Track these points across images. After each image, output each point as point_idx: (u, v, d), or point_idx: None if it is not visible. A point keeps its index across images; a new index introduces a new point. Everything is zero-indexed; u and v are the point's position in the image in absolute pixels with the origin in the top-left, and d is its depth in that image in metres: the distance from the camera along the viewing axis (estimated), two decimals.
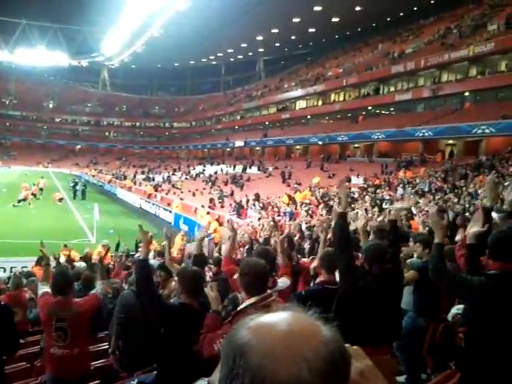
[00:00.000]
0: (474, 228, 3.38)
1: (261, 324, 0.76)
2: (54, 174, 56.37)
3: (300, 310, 0.79)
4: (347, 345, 0.84)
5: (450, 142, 30.26)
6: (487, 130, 25.17)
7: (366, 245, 3.75)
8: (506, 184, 15.32)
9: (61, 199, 32.65)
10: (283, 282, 4.32)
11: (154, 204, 34.19)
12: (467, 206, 12.73)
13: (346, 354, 0.75)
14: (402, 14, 49.27)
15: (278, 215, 22.94)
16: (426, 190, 19.39)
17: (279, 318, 0.76)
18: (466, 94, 31.39)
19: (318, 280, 4.17)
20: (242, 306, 2.82)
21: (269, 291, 2.87)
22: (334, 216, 4.38)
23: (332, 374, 0.70)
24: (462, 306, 4.30)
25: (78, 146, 77.02)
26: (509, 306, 2.80)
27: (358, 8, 46.51)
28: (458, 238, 6.07)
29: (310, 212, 21.33)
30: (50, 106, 79.12)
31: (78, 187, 37.28)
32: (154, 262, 10.72)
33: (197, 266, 5.96)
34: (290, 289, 4.58)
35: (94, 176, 55.17)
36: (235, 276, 4.95)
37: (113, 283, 6.43)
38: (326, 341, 0.73)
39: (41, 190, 34.16)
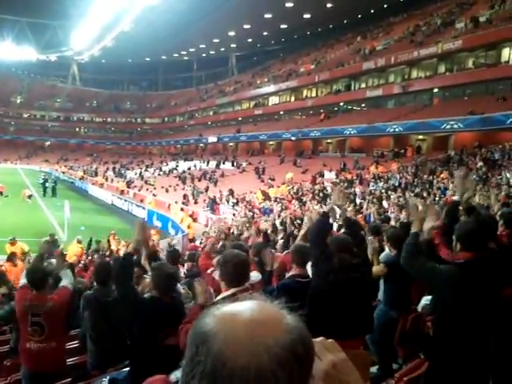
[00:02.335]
0: (428, 223, 3.51)
1: (225, 312, 0.78)
2: (23, 170, 55.13)
3: (266, 299, 0.81)
4: (322, 338, 0.89)
5: (420, 137, 30.83)
6: (455, 126, 25.73)
7: (333, 238, 3.82)
8: (472, 178, 15.75)
9: (30, 196, 31.98)
10: (254, 275, 4.36)
11: (126, 200, 33.81)
12: (437, 199, 13.03)
13: (308, 344, 0.77)
14: (372, 11, 49.88)
15: (251, 211, 22.99)
16: (397, 184, 19.73)
17: (244, 306, 0.78)
18: (435, 90, 32.00)
19: (289, 273, 4.21)
20: (219, 297, 2.82)
21: (246, 284, 2.87)
22: (316, 214, 4.49)
23: (293, 361, 0.71)
24: (431, 297, 4.43)
25: (48, 142, 75.44)
26: (475, 295, 2.91)
27: (329, 5, 46.84)
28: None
29: (283, 207, 21.45)
30: (18, 101, 77.17)
31: (47, 184, 36.55)
32: None
33: (171, 262, 5.98)
34: (262, 283, 4.64)
35: (64, 172, 54.16)
36: (209, 270, 5.00)
37: (79, 283, 6.37)
38: (289, 329, 0.74)
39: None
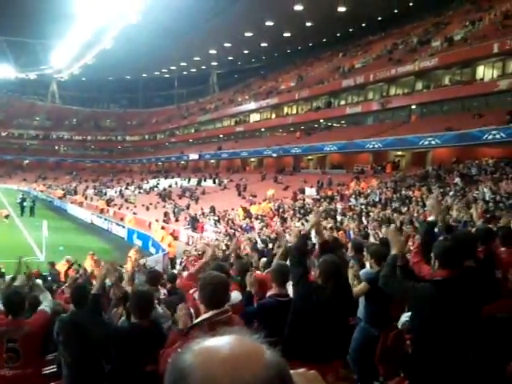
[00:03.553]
0: (393, 250, 3.54)
1: (204, 348, 0.76)
2: (1, 189, 54.19)
3: (245, 333, 0.79)
4: (304, 370, 0.86)
5: (399, 153, 31.25)
6: (433, 142, 26.15)
7: (322, 260, 3.76)
8: (450, 194, 15.98)
9: (7, 216, 31.39)
10: (235, 296, 4.31)
11: (106, 219, 33.43)
12: (415, 215, 13.14)
13: (287, 379, 0.75)
14: (351, 30, 50.79)
15: (232, 228, 22.92)
16: (377, 200, 19.88)
17: (223, 342, 0.76)
18: (413, 107, 32.58)
19: (269, 293, 4.18)
20: (197, 320, 2.79)
21: (226, 306, 2.84)
22: (295, 233, 4.50)
23: None
24: (409, 314, 4.43)
25: (26, 161, 74.41)
26: (452, 312, 2.91)
27: (308, 24, 47.55)
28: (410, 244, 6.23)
29: (264, 224, 21.41)
30: None
31: (25, 203, 35.96)
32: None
33: (151, 283, 5.89)
34: (242, 303, 4.59)
35: (42, 191, 53.39)
36: (191, 291, 4.93)
37: (56, 304, 6.22)
38: (268, 365, 0.72)
39: None
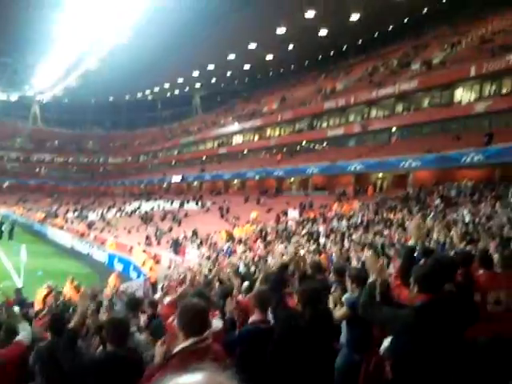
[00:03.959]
0: (371, 276, 3.55)
1: None
2: None
3: (217, 369, 0.80)
4: None
5: (380, 175, 31.54)
6: (414, 164, 26.47)
7: (301, 286, 3.78)
8: (431, 215, 16.09)
9: None
10: (215, 323, 4.24)
11: (86, 243, 32.94)
12: (396, 237, 13.17)
13: None
14: (332, 53, 51.69)
15: (214, 252, 22.73)
16: (359, 222, 19.92)
17: (195, 379, 0.77)
18: (394, 129, 32.99)
19: (251, 319, 4.12)
20: (176, 349, 2.72)
21: (205, 334, 2.77)
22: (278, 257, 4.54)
23: None
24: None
25: (6, 183, 73.39)
26: (432, 338, 2.89)
27: (290, 46, 48.30)
28: (391, 268, 6.19)
29: (247, 248, 21.28)
30: None
31: (4, 227, 35.31)
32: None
33: (131, 310, 5.76)
34: (223, 330, 4.53)
35: (22, 215, 52.54)
36: (170, 319, 4.83)
37: (34, 332, 6.03)
38: None
39: None
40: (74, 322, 4.09)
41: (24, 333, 4.50)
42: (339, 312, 4.59)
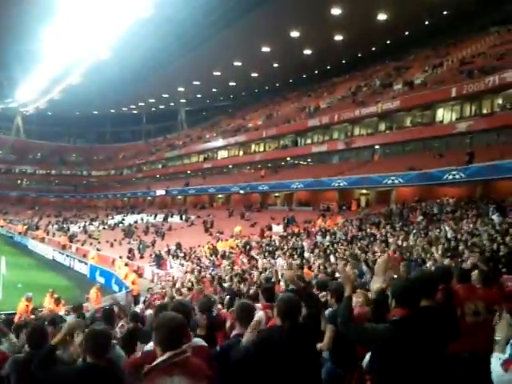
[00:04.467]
0: (376, 284, 3.57)
1: None
2: None
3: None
4: None
5: (364, 191, 31.87)
6: (396, 181, 26.86)
7: (278, 299, 3.62)
8: (413, 232, 16.31)
9: None
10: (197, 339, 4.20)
11: (68, 255, 32.53)
12: (379, 254, 13.30)
13: None
14: (316, 72, 52.43)
15: (198, 265, 22.62)
16: (343, 238, 20.05)
17: None
18: (377, 147, 33.46)
19: (234, 333, 4.11)
20: (154, 363, 2.69)
21: (183, 347, 2.75)
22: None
23: None
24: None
25: None
26: (411, 352, 2.92)
27: (275, 65, 48.89)
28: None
29: (231, 261, 21.24)
30: None
31: None
32: (69, 318, 10.13)
33: (106, 322, 5.72)
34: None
35: (2, 226, 51.69)
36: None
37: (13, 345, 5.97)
38: None
39: None
40: (57, 339, 4.04)
41: (7, 343, 4.47)
42: (327, 335, 4.59)
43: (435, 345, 3.05)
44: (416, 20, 38.04)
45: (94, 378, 3.21)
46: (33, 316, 12.13)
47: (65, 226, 48.03)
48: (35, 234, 43.29)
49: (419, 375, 2.90)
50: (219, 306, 8.50)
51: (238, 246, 25.26)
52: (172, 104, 70.70)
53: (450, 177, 23.23)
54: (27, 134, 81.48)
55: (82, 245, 36.26)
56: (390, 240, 15.73)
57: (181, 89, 59.94)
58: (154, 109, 74.33)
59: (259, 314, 5.15)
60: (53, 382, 3.49)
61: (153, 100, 67.87)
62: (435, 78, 31.77)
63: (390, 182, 27.27)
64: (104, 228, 44.37)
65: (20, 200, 72.32)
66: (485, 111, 26.83)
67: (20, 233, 45.85)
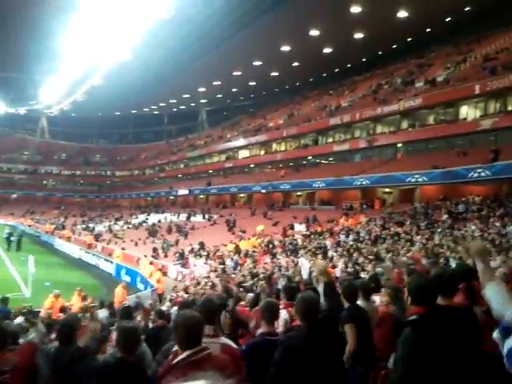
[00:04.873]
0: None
1: None
2: None
3: (218, 378, 0.87)
4: None
5: (387, 190, 31.66)
6: (420, 179, 26.62)
7: (298, 298, 3.56)
8: (438, 231, 16.19)
9: None
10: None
11: (94, 254, 33.10)
12: (402, 252, 13.26)
13: None
14: (336, 70, 52.15)
15: (221, 264, 22.81)
16: (366, 237, 20.00)
17: None
18: (399, 145, 33.19)
19: (259, 331, 4.06)
20: (174, 361, 2.71)
21: (203, 344, 2.76)
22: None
23: None
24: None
25: (14, 195, 73.97)
26: (434, 350, 2.85)
27: (295, 63, 48.80)
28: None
29: (253, 260, 21.38)
30: None
31: (12, 238, 35.53)
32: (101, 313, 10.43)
33: (124, 319, 5.86)
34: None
35: (30, 226, 52.85)
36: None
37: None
38: None
39: None
40: (83, 343, 4.25)
41: (37, 333, 4.63)
42: (349, 336, 4.57)
43: (456, 345, 2.93)
44: (437, 17, 37.53)
45: (124, 372, 3.32)
46: (60, 314, 12.45)
47: (90, 225, 48.82)
48: (62, 234, 44.13)
49: (445, 376, 2.83)
50: (242, 303, 8.58)
51: (260, 245, 25.37)
52: (193, 104, 71.14)
53: (476, 175, 22.93)
54: (52, 135, 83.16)
55: (108, 244, 36.82)
56: (415, 239, 15.65)
57: (201, 89, 60.29)
58: (175, 109, 74.94)
59: (282, 313, 5.25)
60: (85, 377, 3.60)
61: (174, 100, 68.39)
62: (458, 75, 31.36)
63: (413, 180, 27.04)
64: (128, 227, 44.98)
65: (46, 200, 73.83)
66: (510, 108, 26.37)
67: (47, 232, 46.81)
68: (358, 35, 40.57)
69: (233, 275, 18.55)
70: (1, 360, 4.05)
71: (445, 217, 19.37)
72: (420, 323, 2.92)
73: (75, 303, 15.29)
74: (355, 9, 35.25)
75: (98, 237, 40.03)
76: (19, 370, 4.06)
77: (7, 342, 4.23)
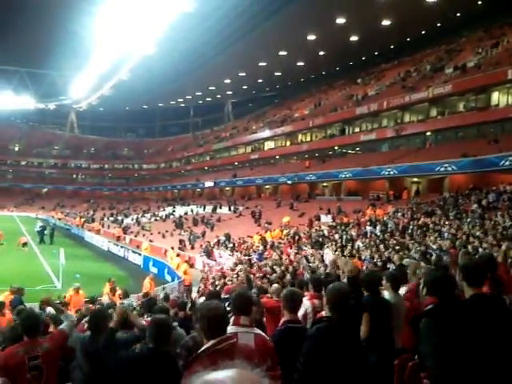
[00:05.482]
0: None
1: (205, 382, 0.78)
2: (19, 218, 54.95)
3: (247, 366, 0.81)
4: None
5: (415, 179, 31.09)
6: (449, 168, 26.01)
7: (328, 288, 3.55)
8: (468, 220, 15.78)
9: (25, 244, 31.69)
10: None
11: (122, 247, 33.60)
12: (431, 244, 12.97)
13: None
14: (363, 58, 51.33)
15: (246, 255, 22.82)
16: (394, 228, 19.66)
17: (224, 376, 0.78)
18: (428, 133, 32.51)
19: (282, 320, 4.15)
20: (200, 350, 2.82)
21: (228, 334, 2.87)
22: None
23: None
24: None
25: (45, 189, 75.74)
26: (456, 335, 2.79)
27: (321, 52, 48.23)
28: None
29: (279, 251, 21.30)
30: (16, 149, 78.11)
31: (46, 231, 36.33)
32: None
33: (147, 311, 5.93)
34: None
35: (60, 219, 54.03)
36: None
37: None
38: None
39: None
40: (113, 322, 4.38)
41: (67, 321, 4.73)
42: (364, 321, 4.53)
43: (487, 332, 2.84)
44: (468, 0, 36.46)
45: (155, 363, 3.40)
46: (91, 305, 12.66)
47: (119, 218, 49.58)
48: (91, 227, 44.96)
49: (478, 361, 2.73)
50: (268, 295, 8.54)
51: (286, 236, 25.25)
52: (218, 96, 71.23)
53: (507, 163, 22.23)
54: (81, 130, 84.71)
55: (135, 236, 37.34)
56: (444, 229, 15.30)
57: (227, 81, 60.27)
58: (200, 101, 75.23)
59: (305, 304, 5.21)
60: (118, 366, 3.69)
61: (199, 93, 68.64)
62: (489, 60, 30.41)
63: (442, 169, 26.45)
64: (156, 220, 45.50)
65: (76, 193, 75.41)
66: None
67: (77, 225, 47.77)
68: (386, 22, 39.73)
69: (257, 267, 18.51)
70: (34, 345, 4.15)
71: (475, 206, 18.87)
72: (435, 312, 2.95)
73: (105, 293, 15.57)
74: None
75: (126, 229, 40.63)
76: (51, 355, 4.19)
77: (39, 329, 4.36)
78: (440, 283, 3.12)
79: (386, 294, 5.12)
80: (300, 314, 4.88)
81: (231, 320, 3.26)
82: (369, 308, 4.48)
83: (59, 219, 53.79)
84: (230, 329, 3.12)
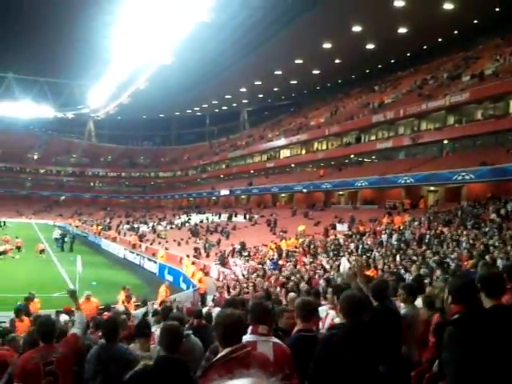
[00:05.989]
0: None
1: None
2: (38, 225, 55.67)
3: (262, 376, 0.81)
4: None
5: (432, 188, 30.76)
6: (467, 177, 25.66)
7: (342, 295, 3.60)
8: (486, 230, 15.55)
9: (42, 251, 32.06)
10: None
11: (138, 254, 33.77)
12: (448, 253, 12.80)
13: None
14: (380, 66, 51.16)
15: (260, 263, 22.74)
16: (411, 237, 19.42)
17: None
18: (445, 141, 32.18)
19: (295, 329, 4.12)
20: (214, 359, 2.83)
21: (244, 342, 2.86)
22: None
23: None
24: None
25: (63, 197, 76.69)
26: (479, 346, 2.74)
27: (337, 60, 48.18)
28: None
29: (294, 260, 21.21)
30: (35, 157, 79.31)
31: (66, 239, 36.70)
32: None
33: (163, 320, 5.95)
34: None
35: (77, 227, 54.60)
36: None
37: (86, 339, 6.25)
38: None
39: (18, 248, 32.33)
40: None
41: (78, 324, 4.78)
42: None
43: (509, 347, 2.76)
44: (485, 7, 36.07)
45: (167, 371, 3.40)
46: (106, 313, 12.70)
47: (135, 225, 49.90)
48: (108, 234, 45.31)
49: (498, 373, 2.68)
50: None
51: (301, 245, 25.13)
52: (234, 105, 71.57)
53: None
54: (98, 139, 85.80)
55: (151, 244, 37.51)
56: (461, 239, 15.10)
57: (243, 89, 60.54)
58: (216, 110, 75.62)
59: (331, 313, 5.17)
60: (130, 377, 3.68)
61: (216, 101, 69.02)
62: (508, 68, 30.03)
63: (460, 178, 26.10)
64: (171, 227, 45.69)
65: (93, 201, 76.25)
66: None
67: (94, 233, 48.20)
68: (402, 30, 39.53)
69: (272, 276, 18.44)
70: (49, 351, 4.19)
71: (493, 216, 18.58)
72: (461, 321, 2.90)
73: (121, 300, 15.63)
74: (399, 3, 34.32)
75: (142, 237, 40.85)
76: (65, 359, 4.22)
77: (54, 335, 4.38)
78: (466, 291, 3.09)
79: (402, 306, 5.07)
80: (327, 323, 4.89)
81: (249, 329, 3.26)
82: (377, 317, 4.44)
83: (76, 227, 54.37)
84: (249, 337, 3.14)
